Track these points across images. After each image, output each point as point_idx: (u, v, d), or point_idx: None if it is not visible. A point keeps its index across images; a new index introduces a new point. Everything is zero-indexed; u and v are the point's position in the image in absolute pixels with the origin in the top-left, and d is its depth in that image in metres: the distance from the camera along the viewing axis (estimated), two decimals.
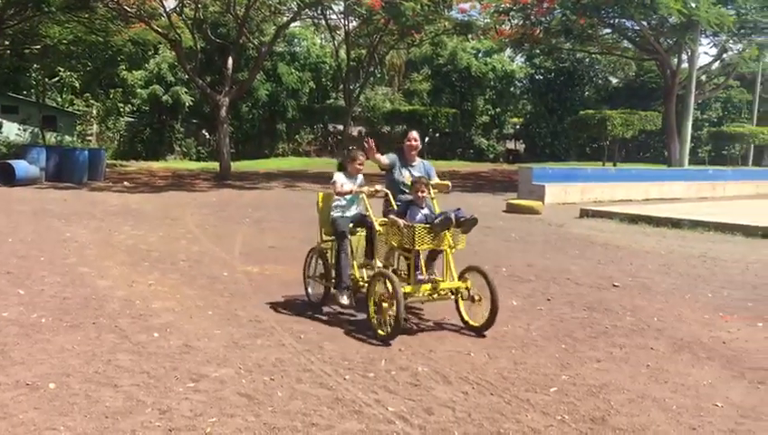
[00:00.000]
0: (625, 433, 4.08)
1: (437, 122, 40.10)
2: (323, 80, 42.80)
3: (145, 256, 9.66)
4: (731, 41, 29.69)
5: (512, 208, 17.29)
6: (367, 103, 42.09)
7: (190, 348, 5.53)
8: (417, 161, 7.13)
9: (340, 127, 34.66)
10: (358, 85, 32.49)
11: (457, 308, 6.33)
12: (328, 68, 41.93)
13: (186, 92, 35.63)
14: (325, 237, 6.97)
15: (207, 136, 38.70)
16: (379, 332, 5.84)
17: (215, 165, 28.27)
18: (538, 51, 36.31)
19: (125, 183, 22.83)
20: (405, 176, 6.93)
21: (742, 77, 42.51)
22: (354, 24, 31.15)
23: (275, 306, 6.99)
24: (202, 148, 38.66)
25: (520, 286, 8.23)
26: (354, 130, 41.54)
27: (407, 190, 6.68)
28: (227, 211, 15.92)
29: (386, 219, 6.38)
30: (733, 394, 4.76)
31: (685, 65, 29.55)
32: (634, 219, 15.31)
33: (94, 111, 34.58)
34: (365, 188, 6.60)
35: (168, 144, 37.22)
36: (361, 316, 6.63)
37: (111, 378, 4.82)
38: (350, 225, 6.67)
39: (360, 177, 6.87)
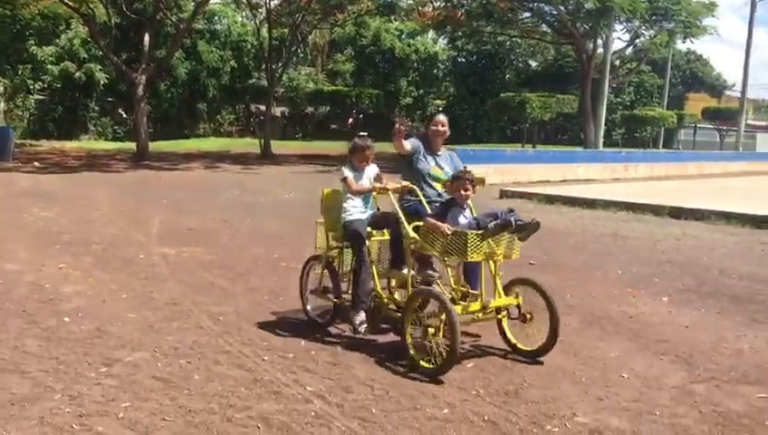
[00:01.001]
0: (537, 405, 4.22)
1: (361, 103, 40.06)
2: (245, 59, 42.02)
3: (56, 238, 9.30)
4: (643, 27, 30.80)
5: None
6: (290, 83, 41.61)
7: (103, 332, 5.38)
8: (443, 150, 6.02)
9: (263, 107, 34.10)
10: (280, 65, 32.01)
11: (501, 330, 5.17)
12: (250, 47, 41.18)
13: (100, 70, 34.34)
14: (333, 243, 5.68)
15: (124, 115, 37.44)
16: (423, 364, 4.64)
17: (132, 145, 27.40)
18: (460, 33, 36.69)
19: (35, 163, 21.87)
20: (431, 165, 5.81)
21: (653, 62, 44.27)
22: (276, 1, 30.66)
23: (193, 289, 6.87)
24: (119, 127, 37.41)
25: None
26: (277, 111, 41.06)
27: (431, 184, 5.70)
28: (145, 192, 15.49)
29: (420, 222, 5.13)
30: (637, 366, 4.98)
31: (600, 50, 30.45)
32: (551, 200, 15.76)
33: (1, 88, 32.92)
34: (391, 185, 5.46)
35: (81, 123, 35.85)
36: (285, 298, 6.60)
37: (18, 364, 4.64)
38: (368, 229, 5.48)
39: (372, 169, 5.63)
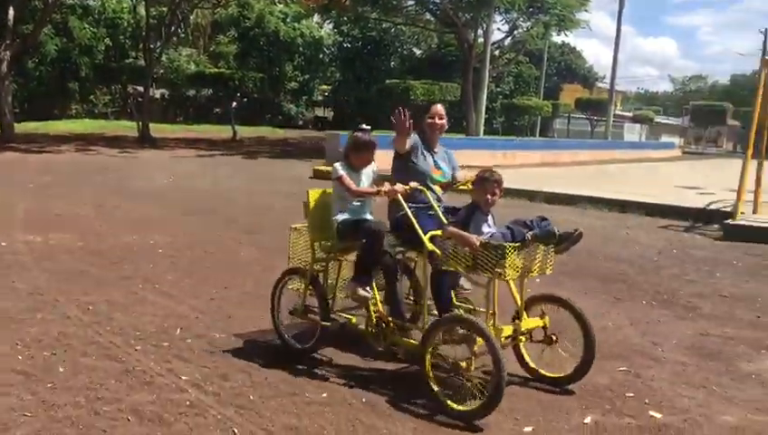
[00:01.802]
0: (416, 386, 4.29)
1: (245, 86, 39.23)
2: (121, 37, 40.05)
3: None
4: (521, 19, 31.88)
5: (318, 174, 17.40)
6: (170, 64, 40.09)
7: None
8: (439, 147, 5.10)
9: (141, 88, 32.68)
10: (159, 45, 30.76)
11: (518, 354, 4.47)
12: (126, 25, 39.30)
13: None
14: (320, 254, 4.78)
15: None
16: (453, 406, 3.87)
17: None
18: (345, 18, 36.62)
19: None
20: (430, 165, 4.92)
21: (531, 54, 45.97)
22: None
23: (61, 277, 6.50)
24: None
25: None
26: (157, 93, 39.52)
27: (431, 187, 4.78)
28: (9, 176, 14.51)
29: (438, 233, 4.29)
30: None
31: (481, 40, 31.25)
32: None
33: None
34: (399, 187, 4.48)
35: None
36: (161, 286, 6.36)
37: None
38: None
39: (371, 168, 4.82)
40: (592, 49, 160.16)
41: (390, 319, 4.46)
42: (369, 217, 4.72)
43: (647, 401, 4.21)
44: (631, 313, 6.20)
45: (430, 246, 4.18)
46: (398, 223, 4.63)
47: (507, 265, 3.89)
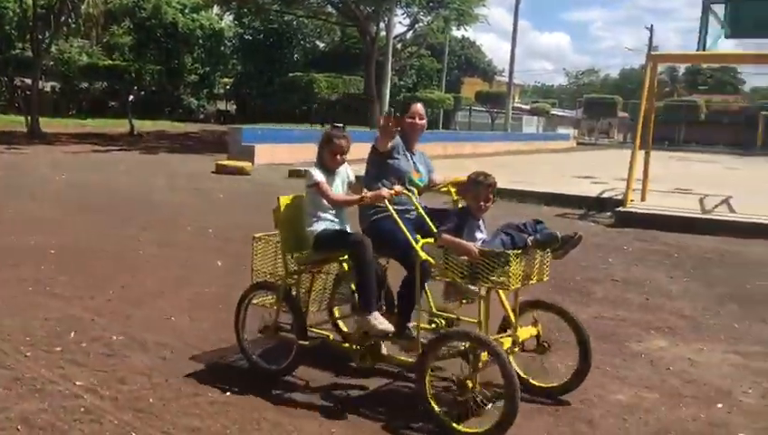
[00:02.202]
0: (320, 379, 4.28)
1: (142, 79, 37.91)
2: (7, 27, 37.81)
3: None
4: (421, 13, 32.30)
5: (221, 169, 17.06)
6: (60, 56, 38.23)
7: None
8: (417, 149, 4.76)
9: (29, 81, 30.97)
10: (48, 35, 29.23)
11: None
12: (12, 14, 37.12)
13: None
14: (293, 267, 4.33)
15: None
16: (459, 428, 3.62)
17: None
18: (246, 10, 35.97)
19: None
20: (410, 166, 4.59)
21: (432, 47, 46.64)
22: None
23: None
24: None
25: (227, 247, 8.16)
26: (47, 86, 37.60)
27: (411, 189, 4.37)
28: None
29: (430, 241, 3.96)
30: None
31: (383, 33, 31.44)
32: None
33: None
34: (385, 191, 4.07)
35: None
36: (52, 287, 6.07)
37: None
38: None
39: (345, 169, 4.44)
40: (491, 43, 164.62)
41: (361, 313, 4.15)
42: (348, 227, 4.34)
43: None
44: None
45: (424, 255, 3.86)
46: (372, 228, 4.30)
47: (511, 274, 3.63)
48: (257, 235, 4.52)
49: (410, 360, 4.02)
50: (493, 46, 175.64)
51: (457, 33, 43.18)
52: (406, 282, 4.16)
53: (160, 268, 6.95)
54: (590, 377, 4.44)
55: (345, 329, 4.76)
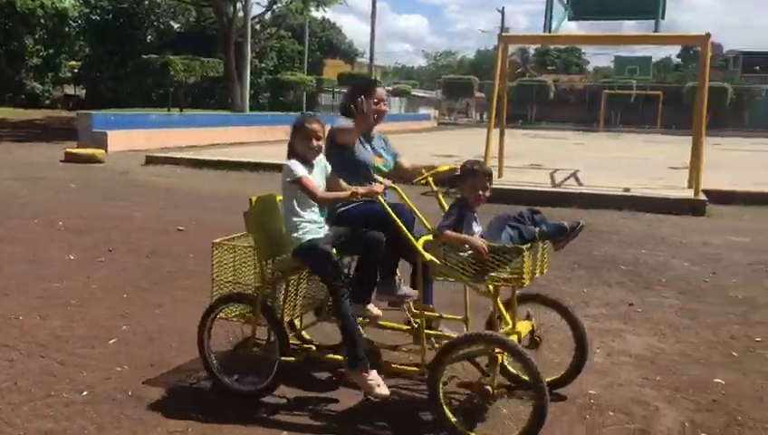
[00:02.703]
0: (184, 372, 4.17)
1: None
2: None
3: None
4: None
5: (71, 158, 16.09)
6: None
7: None
8: (376, 133, 4.45)
9: None
10: None
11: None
12: None
13: None
14: (270, 276, 3.85)
15: None
16: None
17: None
18: None
19: None
20: (370, 153, 4.26)
21: (293, 29, 46.18)
22: None
23: None
24: None
25: (79, 239, 7.73)
26: None
27: (375, 178, 4.09)
28: None
29: (429, 238, 3.66)
30: None
31: (241, 14, 30.72)
32: (199, 164, 15.63)
33: None
34: (378, 186, 3.73)
35: None
36: None
37: None
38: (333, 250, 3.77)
39: (322, 160, 3.92)
40: (351, 25, 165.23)
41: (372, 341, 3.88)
42: (326, 226, 3.87)
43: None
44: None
45: (428, 256, 3.56)
46: (341, 219, 3.97)
47: (526, 272, 3.39)
48: (217, 240, 4.00)
49: (412, 368, 3.78)
50: (353, 28, 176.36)
51: (317, 14, 43.04)
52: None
53: (5, 265, 6.48)
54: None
55: (308, 337, 4.31)
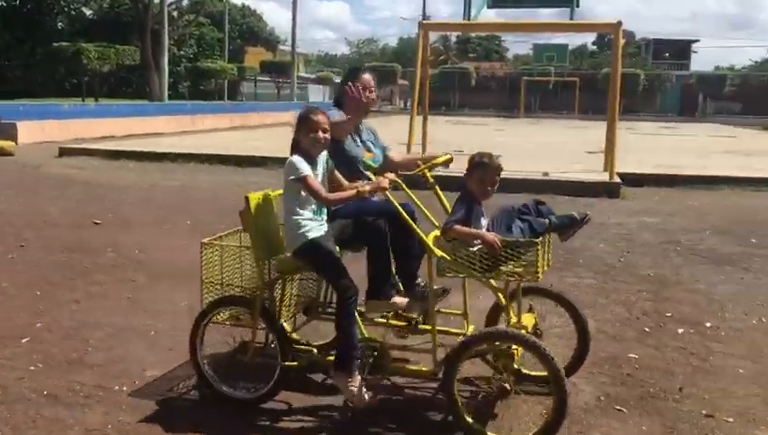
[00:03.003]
0: (103, 368, 4.05)
1: None
2: None
3: None
4: None
5: None
6: None
7: None
8: (363, 125, 4.24)
9: None
10: None
11: None
12: None
13: None
14: (266, 276, 3.63)
15: None
16: None
17: None
18: None
19: None
20: (361, 150, 4.08)
21: (212, 16, 45.22)
22: None
23: None
24: None
25: None
26: None
27: (365, 174, 3.94)
28: None
29: (437, 234, 3.52)
30: None
31: (157, 0, 29.86)
32: (116, 155, 15.15)
33: None
34: (384, 182, 3.46)
35: None
36: None
37: None
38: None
39: (324, 155, 3.65)
40: (272, 12, 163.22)
41: (381, 341, 3.69)
42: (326, 224, 3.67)
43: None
44: None
45: (438, 252, 3.42)
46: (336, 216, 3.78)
47: (540, 266, 3.32)
48: (206, 240, 3.77)
49: (425, 369, 3.64)
50: (274, 15, 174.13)
51: (237, 0, 42.29)
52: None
53: None
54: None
55: (302, 339, 4.05)
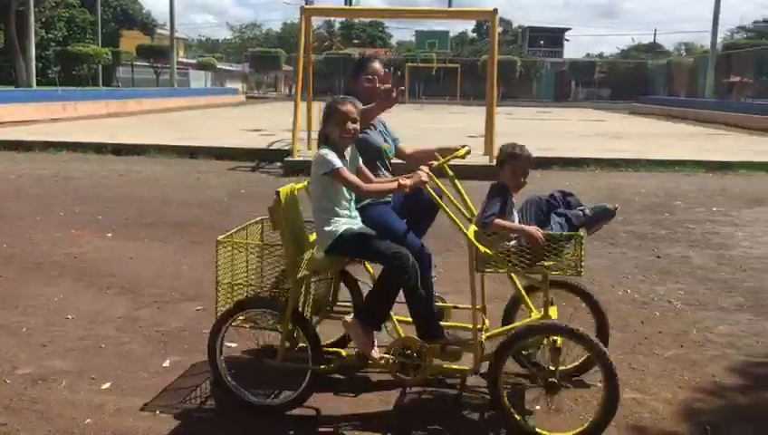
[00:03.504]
0: None
1: None
2: None
3: None
4: None
5: None
6: None
7: None
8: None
9: None
10: None
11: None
12: None
13: None
14: (297, 275, 3.44)
15: None
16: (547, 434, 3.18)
17: None
18: None
19: None
20: (381, 139, 3.96)
21: None
22: None
23: None
24: None
25: None
26: None
27: (387, 165, 3.90)
28: None
29: (475, 229, 3.34)
30: (83, 304, 4.92)
31: None
32: None
33: None
34: (424, 175, 3.31)
35: None
36: None
37: None
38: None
39: (352, 148, 3.51)
40: None
41: (424, 340, 3.47)
42: (359, 220, 3.53)
43: None
44: (205, 254, 6.38)
45: (483, 248, 3.27)
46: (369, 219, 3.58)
47: (582, 258, 3.23)
48: (221, 238, 3.55)
49: (465, 367, 3.49)
50: None
51: None
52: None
53: None
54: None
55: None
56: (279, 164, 12.25)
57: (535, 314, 3.47)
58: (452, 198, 3.59)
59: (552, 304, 3.50)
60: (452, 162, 3.65)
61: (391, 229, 3.55)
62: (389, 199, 3.74)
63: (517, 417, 3.22)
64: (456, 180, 3.60)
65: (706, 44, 39.12)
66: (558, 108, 43.34)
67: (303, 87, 13.54)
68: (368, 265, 3.56)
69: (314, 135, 13.88)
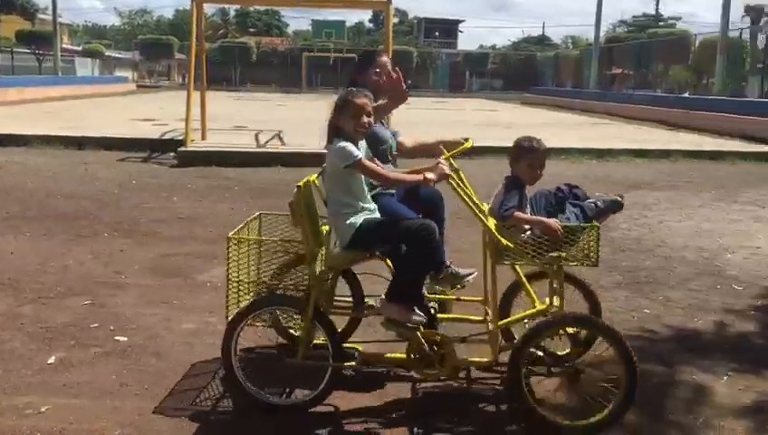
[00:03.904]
0: None
1: None
2: None
3: None
4: None
5: None
6: None
7: None
8: None
9: None
10: None
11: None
12: None
13: None
14: (317, 270, 3.40)
15: None
16: (573, 425, 3.20)
17: None
18: None
19: None
20: (388, 132, 3.91)
21: None
22: None
23: None
24: None
25: None
26: None
27: (389, 158, 3.81)
28: None
29: (496, 221, 3.38)
30: None
31: None
32: None
33: None
34: (446, 168, 3.28)
35: None
36: None
37: None
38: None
39: (363, 142, 3.43)
40: None
41: (442, 335, 3.45)
42: (377, 213, 3.46)
43: (112, 327, 4.33)
44: (94, 247, 6.21)
45: (504, 241, 3.29)
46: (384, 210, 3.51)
47: (597, 248, 3.29)
48: (232, 234, 3.41)
49: (486, 359, 3.48)
50: None
51: None
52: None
53: None
54: (156, 312, 4.60)
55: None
56: (172, 154, 11.92)
57: (538, 304, 3.52)
58: (471, 193, 3.46)
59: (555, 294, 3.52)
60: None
61: (405, 215, 3.55)
62: (393, 192, 3.73)
63: (537, 407, 3.25)
64: (460, 172, 3.51)
65: (591, 38, 40.89)
66: (453, 98, 44.27)
67: (197, 76, 13.24)
68: (387, 262, 3.53)
69: (212, 125, 13.66)
